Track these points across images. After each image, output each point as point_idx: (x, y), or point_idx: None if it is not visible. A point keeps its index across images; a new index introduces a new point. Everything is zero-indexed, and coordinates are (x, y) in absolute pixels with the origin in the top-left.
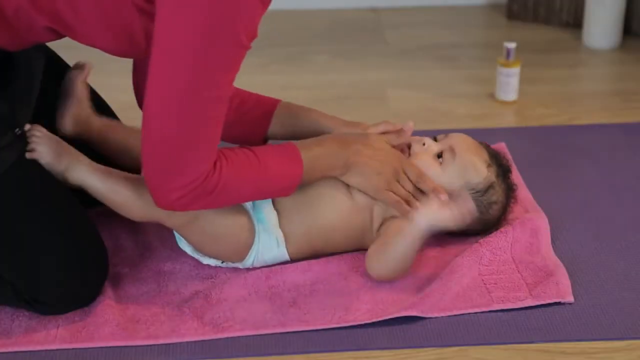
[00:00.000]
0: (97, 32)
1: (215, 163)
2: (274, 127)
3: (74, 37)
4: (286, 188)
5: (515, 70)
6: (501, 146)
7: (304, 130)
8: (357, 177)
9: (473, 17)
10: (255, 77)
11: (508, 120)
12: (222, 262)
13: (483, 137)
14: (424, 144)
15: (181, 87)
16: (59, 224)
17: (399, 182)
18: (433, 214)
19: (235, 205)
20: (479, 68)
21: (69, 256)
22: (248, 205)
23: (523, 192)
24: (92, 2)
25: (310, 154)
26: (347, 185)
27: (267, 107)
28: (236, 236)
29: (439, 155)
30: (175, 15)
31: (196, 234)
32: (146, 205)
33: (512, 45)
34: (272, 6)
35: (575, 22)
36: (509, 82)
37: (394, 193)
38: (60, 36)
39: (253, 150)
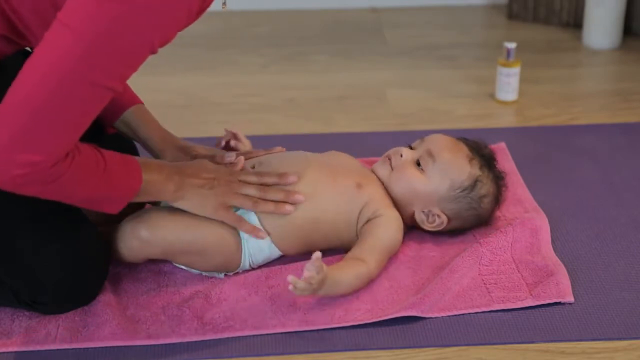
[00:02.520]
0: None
1: (67, 154)
2: (120, 123)
3: (29, 45)
4: (114, 204)
5: (515, 70)
6: (501, 146)
7: (140, 141)
8: (191, 202)
9: (473, 17)
10: (255, 77)
11: (508, 120)
12: (221, 274)
13: (483, 137)
14: (401, 155)
15: (72, 61)
16: (57, 225)
17: (240, 193)
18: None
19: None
20: (479, 68)
21: (68, 256)
22: None
23: (523, 192)
24: (31, 9)
25: (150, 177)
26: (326, 175)
27: (123, 102)
28: (222, 247)
29: (419, 163)
30: None
31: (182, 257)
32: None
33: (512, 45)
34: (272, 6)
35: (575, 22)
36: (509, 82)
37: (240, 205)
38: (20, 45)
39: (103, 156)
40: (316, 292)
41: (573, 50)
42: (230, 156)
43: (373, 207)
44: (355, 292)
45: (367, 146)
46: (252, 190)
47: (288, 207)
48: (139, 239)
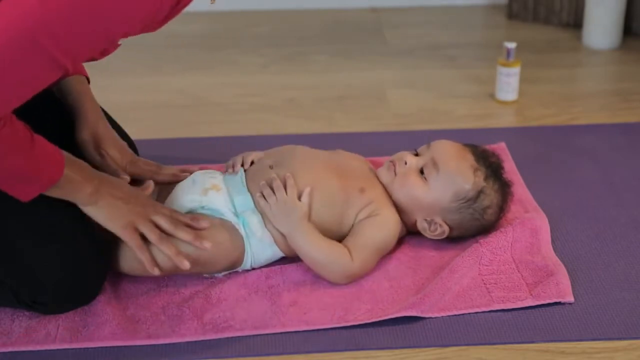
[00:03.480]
0: None
1: (5, 120)
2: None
3: None
4: (28, 189)
5: (515, 70)
6: (501, 146)
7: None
8: (102, 211)
9: (473, 17)
10: (255, 77)
11: (508, 120)
12: (221, 274)
13: (483, 137)
14: (406, 163)
15: (30, 21)
16: (57, 225)
17: (152, 219)
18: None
19: (217, 220)
20: (479, 68)
21: (68, 256)
22: (229, 215)
23: (523, 192)
24: None
25: (70, 173)
26: (332, 174)
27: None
28: (228, 253)
29: (422, 171)
30: None
31: (190, 268)
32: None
33: (512, 45)
34: (272, 6)
35: (575, 22)
36: (509, 82)
37: (146, 233)
38: None
39: (32, 137)
40: (280, 211)
41: (573, 50)
42: (148, 186)
43: (372, 207)
44: (321, 275)
45: (367, 146)
46: (163, 222)
47: (185, 262)
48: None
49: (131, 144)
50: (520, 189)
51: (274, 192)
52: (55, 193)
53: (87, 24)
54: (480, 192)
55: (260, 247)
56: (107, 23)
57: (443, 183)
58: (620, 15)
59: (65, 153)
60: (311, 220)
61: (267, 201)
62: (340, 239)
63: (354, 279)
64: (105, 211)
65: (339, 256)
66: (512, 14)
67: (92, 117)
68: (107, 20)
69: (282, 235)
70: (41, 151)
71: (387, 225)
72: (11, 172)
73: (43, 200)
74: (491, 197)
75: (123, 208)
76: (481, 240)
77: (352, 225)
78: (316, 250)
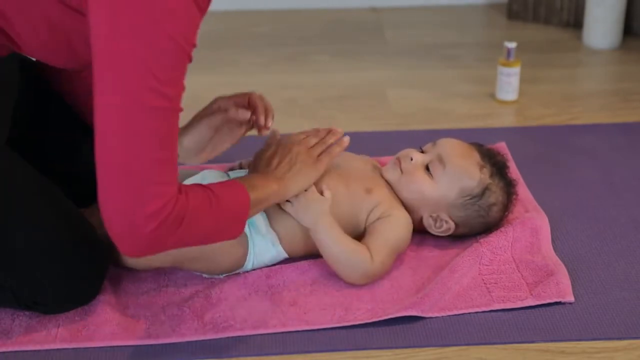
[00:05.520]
0: (34, 42)
1: (179, 190)
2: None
3: (19, 50)
4: (236, 226)
5: (516, 70)
6: (501, 146)
7: None
8: (297, 183)
9: (473, 17)
10: (255, 77)
11: (508, 120)
12: (222, 275)
13: (483, 137)
14: (412, 159)
15: (127, 99)
16: (57, 225)
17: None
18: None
19: None
20: (479, 68)
21: (67, 257)
22: None
23: (523, 191)
24: (28, 23)
25: (252, 187)
26: (336, 179)
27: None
28: (231, 251)
29: (428, 168)
30: (111, 24)
31: (191, 264)
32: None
33: (512, 45)
34: (273, 6)
35: (575, 22)
36: (509, 81)
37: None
38: (10, 49)
39: (204, 185)
40: (303, 204)
41: (573, 50)
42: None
43: (382, 208)
44: (349, 278)
45: (368, 146)
46: (319, 147)
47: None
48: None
49: None
50: (520, 188)
51: None
52: (254, 211)
53: (163, 57)
54: (485, 189)
55: (263, 246)
56: (181, 44)
57: (449, 179)
58: (621, 15)
59: (234, 179)
60: None
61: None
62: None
63: (372, 280)
64: (299, 181)
65: (361, 254)
66: (512, 13)
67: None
68: (182, 43)
69: (288, 234)
70: (219, 190)
71: (402, 225)
72: (218, 225)
73: (43, 201)
74: (497, 195)
75: (301, 165)
76: (481, 240)
77: (365, 229)
78: (338, 245)
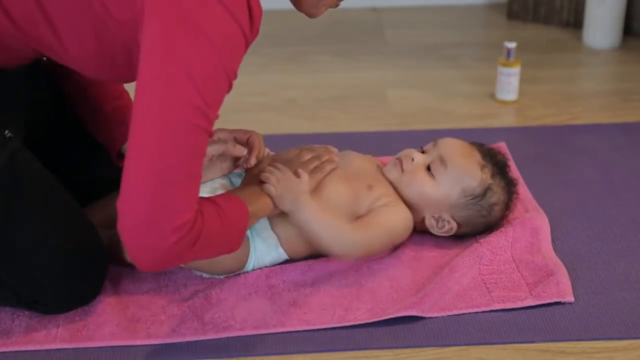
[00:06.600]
0: (80, 57)
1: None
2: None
3: (59, 60)
4: (239, 239)
5: (516, 70)
6: (501, 146)
7: None
8: (283, 197)
9: (473, 17)
10: (255, 77)
11: (508, 120)
12: (223, 276)
13: (483, 137)
14: (413, 160)
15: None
16: (56, 225)
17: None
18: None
19: None
20: (479, 68)
21: (67, 256)
22: None
23: (523, 191)
24: (74, 31)
25: (252, 208)
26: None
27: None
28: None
29: (429, 168)
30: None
31: (192, 263)
32: None
33: (512, 45)
34: (273, 6)
35: (575, 22)
36: (509, 81)
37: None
38: (37, 58)
39: (210, 199)
40: (284, 186)
41: (573, 50)
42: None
43: (385, 199)
44: (327, 247)
45: (368, 146)
46: (316, 162)
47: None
48: None
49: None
50: (520, 188)
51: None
52: (252, 222)
53: (212, 84)
54: (487, 189)
55: (264, 248)
56: (224, 69)
57: (451, 179)
58: (621, 15)
59: (233, 194)
60: None
61: (270, 181)
62: None
63: (361, 253)
64: (286, 197)
65: (342, 225)
66: (512, 13)
67: None
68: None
69: (289, 236)
70: (223, 203)
71: (400, 217)
72: (227, 239)
73: (43, 201)
74: (498, 194)
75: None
76: (481, 240)
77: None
78: (318, 221)
